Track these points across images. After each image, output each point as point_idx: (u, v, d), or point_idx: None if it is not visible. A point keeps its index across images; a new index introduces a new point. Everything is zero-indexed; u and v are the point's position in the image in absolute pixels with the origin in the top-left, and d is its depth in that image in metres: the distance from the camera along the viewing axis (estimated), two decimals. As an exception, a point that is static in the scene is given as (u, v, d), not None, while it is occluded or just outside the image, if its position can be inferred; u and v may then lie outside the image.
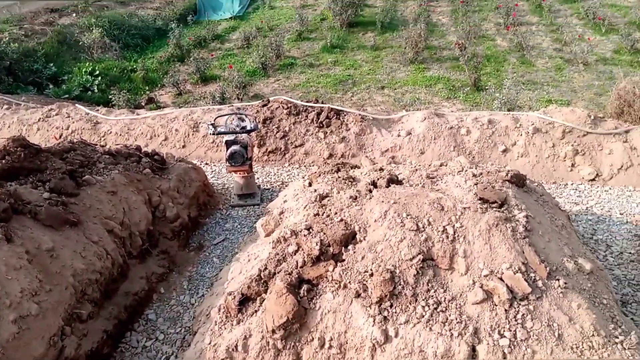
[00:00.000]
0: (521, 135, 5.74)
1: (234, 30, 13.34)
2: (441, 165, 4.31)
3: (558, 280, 2.92)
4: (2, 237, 3.16)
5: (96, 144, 4.75)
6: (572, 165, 5.48)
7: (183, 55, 11.28)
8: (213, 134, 5.07)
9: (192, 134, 6.47)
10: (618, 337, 2.74)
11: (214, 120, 5.21)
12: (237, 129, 5.10)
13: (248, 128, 5.11)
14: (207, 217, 5.18)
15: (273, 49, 10.60)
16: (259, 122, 6.08)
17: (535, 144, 5.67)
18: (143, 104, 8.72)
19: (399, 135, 6.10)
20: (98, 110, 7.26)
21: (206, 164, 6.23)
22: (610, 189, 5.25)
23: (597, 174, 5.39)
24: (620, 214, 4.86)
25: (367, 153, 6.03)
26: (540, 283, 2.88)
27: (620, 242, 4.47)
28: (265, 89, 9.54)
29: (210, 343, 3.16)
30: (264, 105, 6.58)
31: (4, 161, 3.68)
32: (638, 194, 5.12)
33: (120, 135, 6.58)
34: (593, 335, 2.71)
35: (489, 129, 5.86)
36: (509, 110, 6.88)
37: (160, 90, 9.74)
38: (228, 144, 5.01)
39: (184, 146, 6.43)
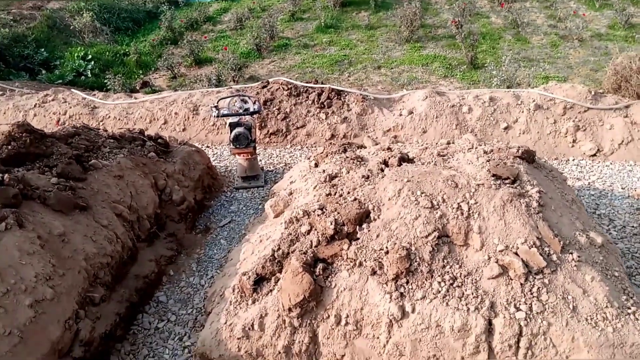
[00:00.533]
0: (522, 112, 5.76)
1: (225, 12, 13.12)
2: (448, 143, 4.33)
3: (571, 253, 2.97)
4: (14, 223, 3.13)
5: (99, 129, 4.68)
6: (574, 141, 5.53)
7: (175, 38, 11.10)
8: (217, 117, 5.02)
9: (192, 117, 6.40)
10: (630, 308, 2.80)
11: (217, 102, 5.15)
12: (240, 111, 5.05)
13: (251, 110, 5.06)
14: (212, 199, 5.17)
15: (266, 30, 10.46)
16: (261, 103, 6.02)
17: (537, 120, 5.69)
18: (138, 87, 8.59)
19: (400, 115, 6.09)
20: (94, 94, 7.15)
21: (207, 147, 6.19)
22: (611, 163, 5.31)
23: (598, 149, 5.44)
24: (622, 188, 4.92)
25: (369, 133, 6.02)
26: (554, 257, 2.93)
27: (623, 216, 4.54)
28: (261, 71, 9.44)
29: (226, 322, 3.18)
30: (263, 87, 6.51)
31: (10, 147, 3.62)
32: (639, 169, 5.18)
33: (119, 119, 6.50)
34: (607, 306, 2.77)
35: (490, 106, 5.86)
36: (508, 87, 6.89)
37: (154, 74, 9.59)
38: (232, 126, 4.97)
39: (184, 129, 6.37)
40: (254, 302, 3.21)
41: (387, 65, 9.26)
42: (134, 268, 3.94)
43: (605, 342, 2.66)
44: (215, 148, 6.16)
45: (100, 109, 6.71)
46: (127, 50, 10.27)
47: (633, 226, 4.41)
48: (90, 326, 3.32)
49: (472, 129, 5.74)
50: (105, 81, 8.34)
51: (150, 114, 6.50)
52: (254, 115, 5.24)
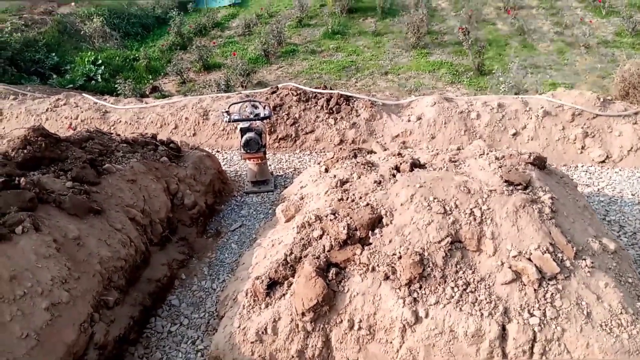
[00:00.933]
0: (531, 118, 5.78)
1: (233, 18, 13.23)
2: (459, 149, 4.34)
3: (585, 260, 2.98)
4: (31, 226, 3.17)
5: (112, 133, 4.73)
6: (582, 147, 5.53)
7: (184, 44, 11.19)
8: (229, 122, 5.06)
9: (202, 122, 6.45)
10: (645, 314, 2.81)
11: (228, 107, 5.19)
12: (251, 116, 5.09)
13: (262, 115, 5.10)
14: (223, 204, 5.20)
15: (274, 36, 10.54)
16: (271, 109, 6.06)
17: (545, 127, 5.71)
18: (147, 92, 8.67)
19: (409, 121, 6.11)
20: (106, 99, 7.21)
21: (217, 151, 6.23)
22: (620, 170, 5.31)
23: (607, 156, 5.45)
24: (632, 194, 4.92)
25: (378, 138, 6.05)
26: (567, 263, 2.94)
27: (633, 222, 4.54)
28: (269, 76, 9.50)
29: (239, 326, 3.20)
30: (273, 92, 6.56)
31: (25, 151, 3.67)
32: (648, 175, 5.19)
33: (130, 124, 6.55)
34: (621, 313, 2.77)
35: (498, 112, 5.88)
36: (516, 94, 6.91)
37: (163, 79, 9.67)
38: (243, 131, 5.01)
39: (194, 134, 6.42)
40: (267, 307, 3.23)
41: (394, 72, 9.31)
42: (147, 272, 3.97)
43: (621, 348, 2.66)
44: (225, 153, 6.20)
45: (112, 113, 6.77)
46: (136, 55, 10.36)
47: (643, 232, 4.41)
48: (104, 329, 3.34)
49: (481, 135, 5.76)
50: (116, 86, 8.42)
51: (161, 119, 6.55)
52: (265, 121, 5.28)
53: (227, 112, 5.09)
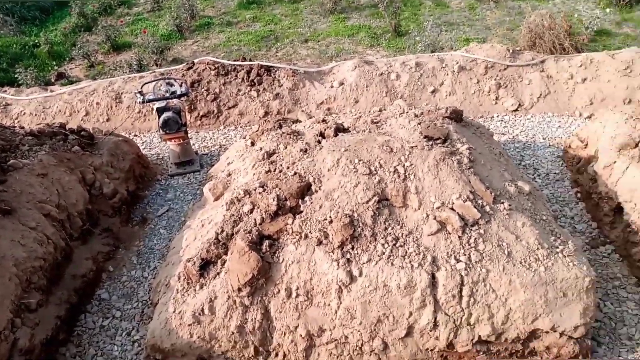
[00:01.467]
0: (447, 74, 5.96)
1: (140, -7, 12.42)
2: (381, 110, 4.40)
3: (503, 203, 3.14)
4: None
5: (14, 126, 4.33)
6: (497, 98, 5.80)
7: (89, 25, 10.38)
8: (142, 103, 4.79)
9: (116, 106, 6.07)
10: (558, 247, 3.03)
11: (141, 87, 4.91)
12: (167, 95, 4.85)
13: (179, 92, 4.87)
14: (147, 189, 4.97)
15: (186, 10, 10.04)
16: (188, 85, 5.81)
17: (461, 81, 5.91)
18: (53, 80, 8.00)
19: (332, 87, 6.10)
20: (5, 91, 6.57)
21: (135, 135, 5.91)
22: (532, 116, 5.63)
23: (519, 104, 5.75)
24: (543, 138, 5.25)
25: (303, 107, 6.00)
26: (487, 208, 3.09)
27: (546, 164, 4.86)
28: (185, 52, 9.08)
29: (174, 311, 3.11)
30: (189, 68, 6.28)
31: None
32: (556, 119, 5.54)
33: (36, 115, 6.04)
34: (538, 248, 2.97)
35: (417, 71, 6.01)
36: (432, 52, 7.07)
37: (69, 64, 8.96)
38: (160, 111, 4.77)
39: (108, 119, 6.03)
40: (201, 287, 3.15)
41: (313, 39, 9.20)
42: (70, 268, 3.74)
43: (539, 281, 2.86)
44: (144, 136, 5.89)
45: (14, 105, 6.19)
46: (36, 41, 9.49)
47: (555, 173, 4.74)
48: (29, 334, 3.14)
49: (402, 95, 5.86)
50: (16, 76, 7.69)
51: (70, 107, 6.09)
52: (182, 98, 5.05)
53: (140, 92, 4.81)
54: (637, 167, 3.81)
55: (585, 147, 4.54)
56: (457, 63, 5.99)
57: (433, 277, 2.89)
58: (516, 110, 5.72)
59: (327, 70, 6.39)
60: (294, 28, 9.67)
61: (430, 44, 7.50)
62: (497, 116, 5.69)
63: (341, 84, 6.06)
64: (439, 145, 3.37)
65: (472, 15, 9.55)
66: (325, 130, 3.72)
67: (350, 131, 3.74)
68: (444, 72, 5.99)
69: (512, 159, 4.86)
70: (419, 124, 3.55)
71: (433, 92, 5.90)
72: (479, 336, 2.90)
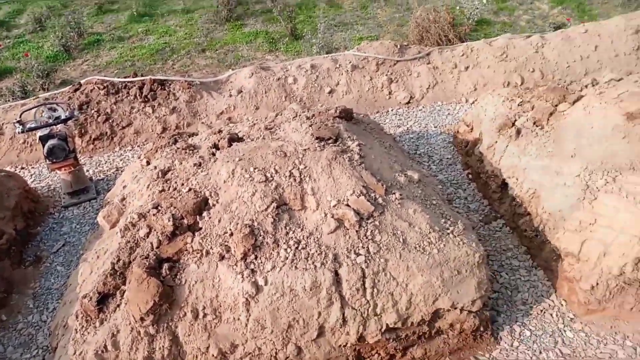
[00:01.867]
0: (342, 74, 6.12)
1: (20, 14, 11.48)
2: (277, 115, 4.41)
3: (394, 193, 3.28)
4: None
5: None
6: (389, 92, 6.05)
7: (-41, 51, 9.44)
8: (22, 132, 4.43)
9: (-4, 138, 5.57)
10: (449, 229, 3.21)
11: (19, 116, 4.54)
12: (50, 121, 4.52)
13: (63, 117, 4.56)
14: (38, 225, 4.60)
15: (72, 28, 9.45)
16: (74, 108, 5.46)
17: (356, 80, 6.10)
18: None
19: (230, 96, 6.03)
20: None
21: (22, 168, 5.45)
22: (423, 107, 5.94)
23: (411, 97, 6.04)
24: (435, 127, 5.56)
25: (203, 119, 5.88)
26: (380, 200, 3.20)
27: (439, 151, 5.15)
28: (74, 73, 8.54)
29: (75, 353, 2.91)
30: (76, 90, 5.91)
31: None
32: (445, 107, 5.89)
33: None
34: (430, 232, 3.13)
35: (313, 73, 6.11)
36: (327, 53, 7.23)
37: (-62, 97, 8.08)
38: (43, 139, 4.44)
39: (-12, 154, 5.52)
40: (102, 323, 2.98)
41: (211, 48, 9.05)
42: (-49, 325, 3.37)
43: (433, 263, 3.01)
44: (32, 168, 5.45)
45: None
46: None
47: (448, 158, 5.03)
48: None
49: (300, 97, 5.94)
50: None
51: (-61, 145, 5.50)
52: (68, 123, 4.73)
53: (18, 121, 4.45)
54: (515, 145, 4.16)
55: (471, 131, 4.86)
56: (349, 62, 6.17)
57: (336, 274, 2.94)
58: (409, 102, 6.00)
59: (224, 79, 6.31)
60: (189, 38, 9.45)
61: (325, 45, 7.67)
62: (392, 110, 5.94)
63: (240, 91, 6.02)
64: (331, 145, 3.45)
65: (365, 14, 9.89)
66: (219, 141, 3.66)
67: (244, 140, 3.71)
68: (339, 72, 6.14)
69: (408, 150, 5.11)
70: (311, 126, 3.60)
71: (330, 92, 6.03)
72: (387, 325, 3.00)
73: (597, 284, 3.28)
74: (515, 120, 4.29)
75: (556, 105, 4.11)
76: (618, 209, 3.24)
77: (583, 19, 8.70)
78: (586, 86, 4.28)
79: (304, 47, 8.43)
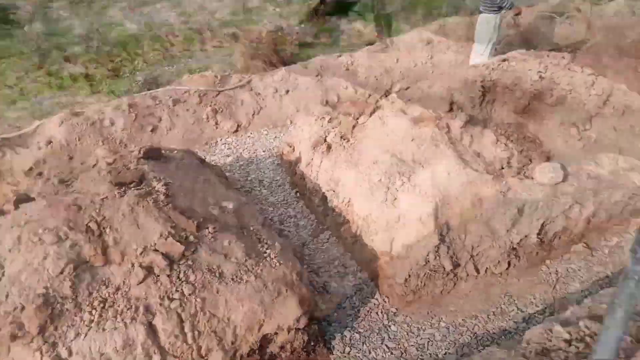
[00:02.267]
0: (164, 110, 5.94)
1: None
2: (82, 164, 4.10)
3: (207, 228, 3.22)
4: None
5: None
6: (216, 123, 6.02)
7: None
8: None
9: None
10: (266, 252, 3.25)
11: None
12: None
13: None
14: None
15: None
16: None
17: (179, 114, 5.96)
18: None
19: (39, 149, 5.47)
20: None
21: None
22: (251, 134, 6.01)
23: (238, 125, 6.07)
24: (264, 151, 5.65)
25: (8, 180, 5.22)
26: (192, 237, 3.12)
27: (269, 174, 5.24)
28: None
29: None
30: None
31: None
32: (272, 131, 6.02)
33: None
34: (246, 260, 3.13)
35: (132, 113, 5.83)
36: (148, 89, 6.98)
37: None
38: None
39: None
40: None
41: (23, 98, 8.20)
42: None
43: (252, 290, 3.01)
44: None
45: None
46: None
47: (277, 179, 5.14)
48: None
49: (120, 140, 5.62)
50: None
51: None
52: None
53: None
54: (328, 159, 4.40)
55: (293, 151, 5.04)
56: (170, 97, 6.03)
57: (150, 325, 2.78)
58: (236, 130, 6.03)
59: (31, 132, 5.71)
60: (-4, 91, 8.45)
61: (151, 82, 7.42)
62: (221, 140, 5.91)
63: (49, 142, 5.49)
64: (133, 189, 3.28)
65: (192, 47, 9.80)
66: (3, 205, 3.26)
67: (35, 199, 3.35)
68: (160, 108, 5.95)
69: (240, 178, 5.12)
70: (109, 172, 3.39)
71: (153, 130, 5.80)
72: (215, 364, 2.90)
73: (410, 276, 3.58)
74: (326, 137, 4.54)
75: (357, 119, 4.45)
76: (413, 204, 3.59)
77: (390, 35, 9.69)
78: (381, 97, 4.71)
79: (128, 86, 8.07)
